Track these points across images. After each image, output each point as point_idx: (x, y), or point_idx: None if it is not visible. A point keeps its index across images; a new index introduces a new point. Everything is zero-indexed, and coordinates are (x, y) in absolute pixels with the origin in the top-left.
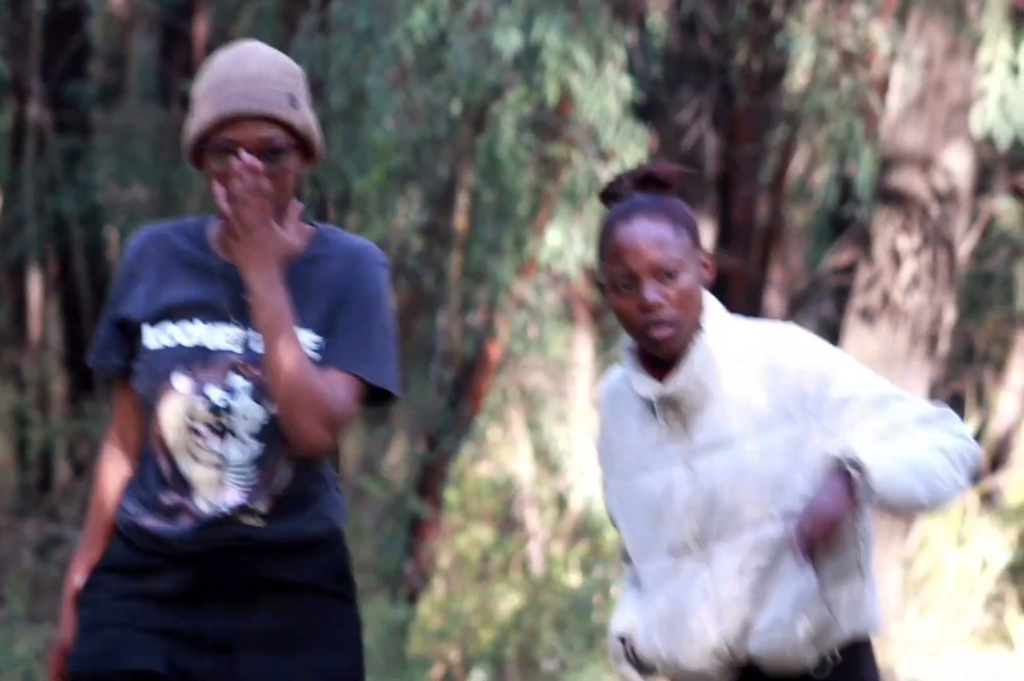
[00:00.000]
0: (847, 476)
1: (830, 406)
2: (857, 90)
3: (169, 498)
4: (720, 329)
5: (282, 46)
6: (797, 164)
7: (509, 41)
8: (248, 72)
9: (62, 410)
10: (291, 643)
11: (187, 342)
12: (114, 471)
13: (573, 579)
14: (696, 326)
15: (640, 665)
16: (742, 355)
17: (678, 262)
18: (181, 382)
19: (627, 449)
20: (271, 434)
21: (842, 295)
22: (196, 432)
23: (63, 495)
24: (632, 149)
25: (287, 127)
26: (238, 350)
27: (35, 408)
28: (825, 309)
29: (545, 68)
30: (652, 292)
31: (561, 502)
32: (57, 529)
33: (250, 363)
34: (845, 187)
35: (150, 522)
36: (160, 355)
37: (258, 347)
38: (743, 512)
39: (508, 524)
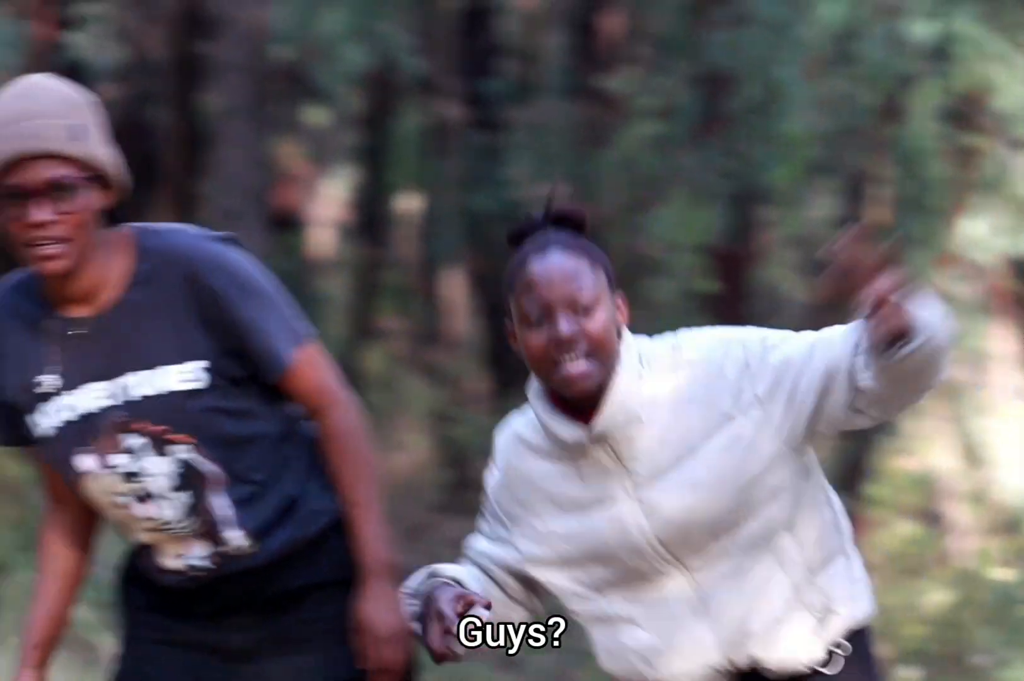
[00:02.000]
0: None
1: (771, 372)
2: None
3: (147, 561)
4: (637, 355)
5: (694, 39)
6: None
7: (921, 30)
8: (24, 110)
9: (483, 407)
10: (315, 639)
11: (68, 415)
12: (54, 552)
13: (998, 573)
14: (613, 363)
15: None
16: (664, 373)
17: (594, 297)
18: (85, 462)
19: (542, 496)
20: (189, 480)
21: None
22: (123, 506)
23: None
24: None
25: (75, 161)
26: (117, 404)
27: (456, 405)
28: None
29: (958, 57)
30: (567, 325)
31: (983, 495)
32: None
33: (135, 417)
34: None
35: (150, 574)
36: (53, 441)
37: (134, 391)
38: (712, 523)
39: (930, 518)
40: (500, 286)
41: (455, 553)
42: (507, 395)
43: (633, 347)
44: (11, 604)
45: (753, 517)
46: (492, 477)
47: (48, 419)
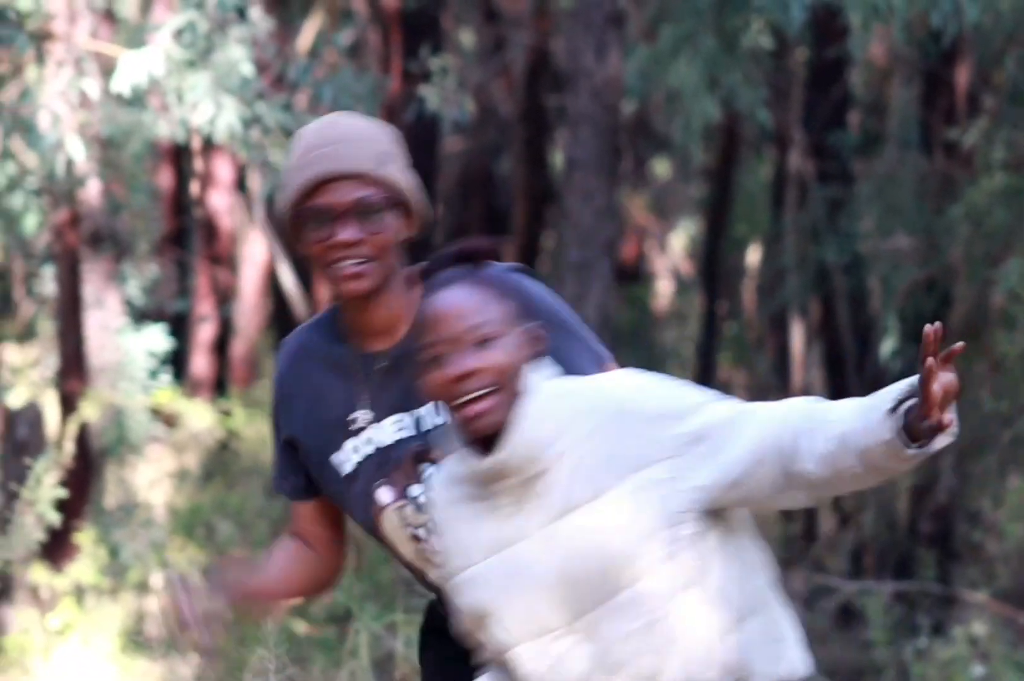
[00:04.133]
0: None
1: (689, 439)
2: None
3: (447, 609)
4: (547, 392)
5: None
6: None
7: None
8: (334, 134)
9: None
10: None
11: (368, 450)
12: (282, 551)
13: None
14: (515, 399)
15: None
16: (583, 409)
17: (493, 330)
18: (385, 495)
19: (465, 536)
20: None
21: None
22: (420, 539)
23: (828, 545)
24: None
25: (380, 184)
26: (413, 434)
27: None
28: None
29: None
30: (460, 362)
31: None
32: (823, 579)
33: (431, 446)
34: None
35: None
36: (354, 478)
37: (428, 420)
38: (616, 571)
39: None
40: (843, 338)
41: (802, 607)
42: None
43: (547, 375)
44: (355, 652)
45: (658, 570)
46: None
47: (352, 455)
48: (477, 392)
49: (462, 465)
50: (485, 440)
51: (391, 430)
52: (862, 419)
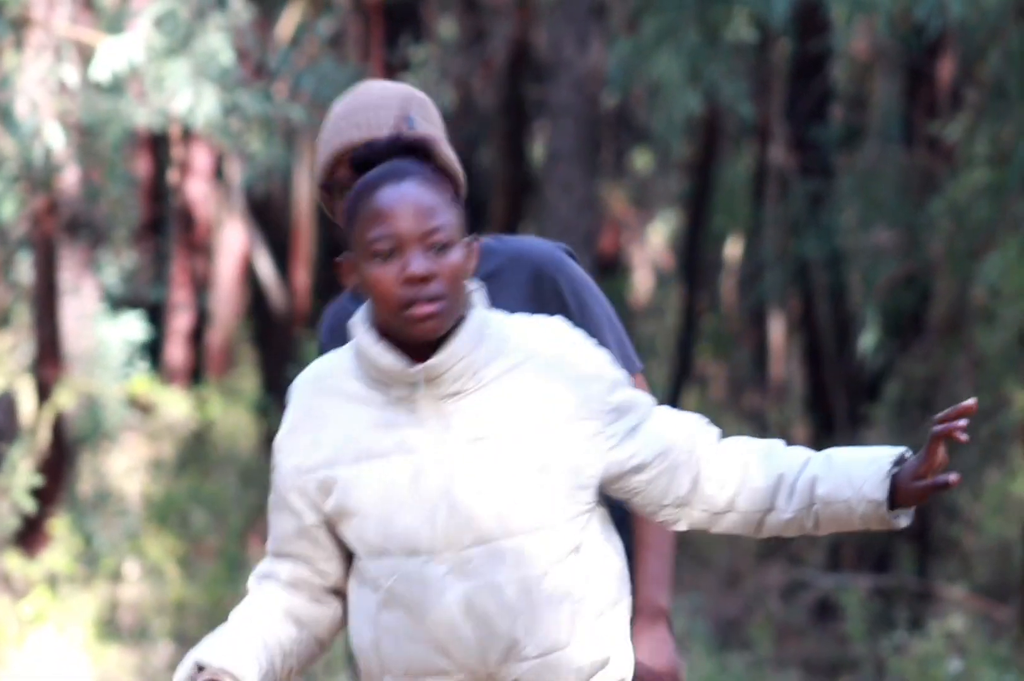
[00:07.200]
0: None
1: (615, 409)
2: None
3: None
4: (488, 316)
5: None
6: None
7: None
8: (356, 103)
9: None
10: None
11: None
12: None
13: None
14: (460, 308)
15: None
16: (520, 346)
17: (449, 235)
18: None
19: (340, 437)
20: None
21: None
22: None
23: (806, 538)
24: None
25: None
26: None
27: None
28: None
29: None
30: (420, 262)
31: None
32: (801, 573)
33: None
34: None
35: None
36: None
37: None
38: (510, 514)
39: None
40: (822, 333)
41: (779, 600)
42: (828, 441)
43: (485, 301)
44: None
45: (550, 527)
46: (285, 442)
47: None
48: (434, 295)
49: (383, 361)
50: (414, 346)
51: None
52: (842, 471)
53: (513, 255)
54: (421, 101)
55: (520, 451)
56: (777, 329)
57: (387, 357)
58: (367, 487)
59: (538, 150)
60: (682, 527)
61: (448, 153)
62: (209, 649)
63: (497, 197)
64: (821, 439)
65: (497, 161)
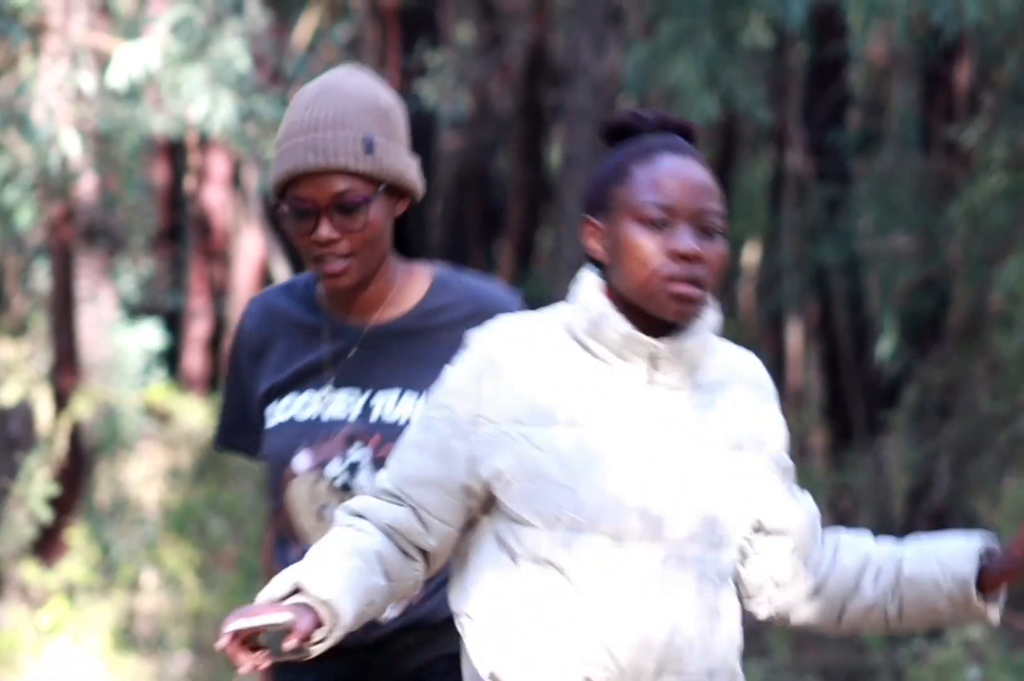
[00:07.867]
0: None
1: (786, 472)
2: None
3: None
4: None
5: None
6: None
7: None
8: (317, 118)
9: (822, 460)
10: None
11: (302, 415)
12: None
13: None
14: (707, 301)
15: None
16: (723, 364)
17: (722, 224)
18: (302, 461)
19: (534, 396)
20: None
21: None
22: (323, 517)
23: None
24: None
25: (364, 175)
26: (360, 415)
27: (793, 458)
28: None
29: None
30: (691, 240)
31: None
32: None
33: (371, 432)
34: None
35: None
36: (277, 433)
37: (379, 408)
38: (721, 528)
39: None
40: (840, 339)
41: None
42: (846, 448)
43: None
44: None
45: (724, 549)
46: (465, 385)
47: (280, 415)
48: (697, 278)
49: (616, 327)
50: (658, 325)
51: (343, 404)
52: (930, 551)
53: (460, 294)
54: (382, 113)
55: (755, 471)
56: (795, 335)
57: (626, 325)
58: (558, 453)
59: (555, 155)
60: (763, 614)
61: (409, 162)
62: (311, 575)
63: (514, 202)
64: (839, 445)
65: (514, 166)
